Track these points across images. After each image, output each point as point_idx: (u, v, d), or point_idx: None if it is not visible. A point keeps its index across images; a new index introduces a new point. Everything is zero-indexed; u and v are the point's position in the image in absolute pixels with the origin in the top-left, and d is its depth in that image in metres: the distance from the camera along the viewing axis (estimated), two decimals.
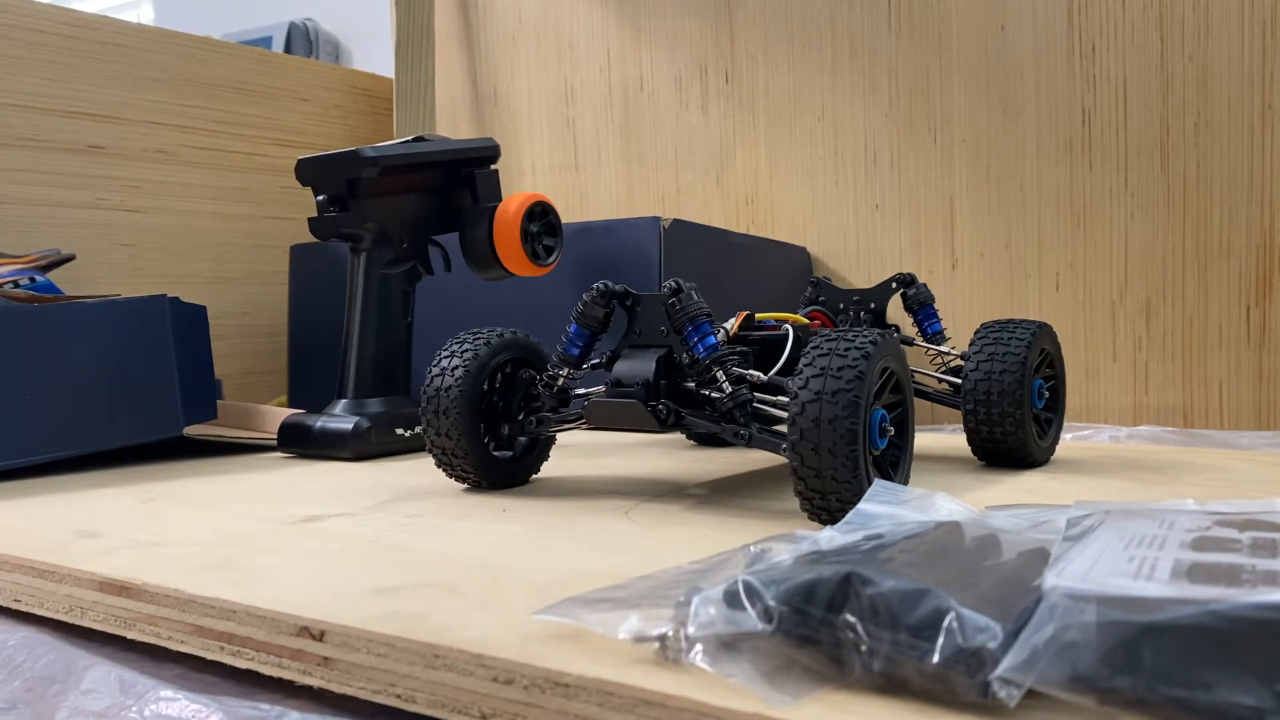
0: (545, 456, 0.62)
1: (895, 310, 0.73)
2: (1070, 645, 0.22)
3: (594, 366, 0.55)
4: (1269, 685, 0.21)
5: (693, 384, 0.52)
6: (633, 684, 0.25)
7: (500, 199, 0.80)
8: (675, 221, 0.87)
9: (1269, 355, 0.88)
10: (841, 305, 0.73)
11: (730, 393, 0.49)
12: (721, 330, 0.56)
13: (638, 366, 0.52)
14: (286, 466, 0.71)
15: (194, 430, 0.82)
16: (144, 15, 2.17)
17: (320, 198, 0.77)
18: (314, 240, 1.01)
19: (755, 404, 0.50)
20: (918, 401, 0.58)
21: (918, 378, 0.68)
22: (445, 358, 0.57)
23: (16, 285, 0.85)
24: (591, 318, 0.55)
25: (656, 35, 1.19)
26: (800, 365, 0.44)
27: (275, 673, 0.33)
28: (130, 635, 0.37)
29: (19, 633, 0.40)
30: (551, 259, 0.80)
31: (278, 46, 1.74)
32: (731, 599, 0.27)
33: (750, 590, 0.27)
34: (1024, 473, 0.61)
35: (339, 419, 0.74)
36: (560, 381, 0.56)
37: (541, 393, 0.57)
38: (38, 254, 0.93)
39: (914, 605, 0.25)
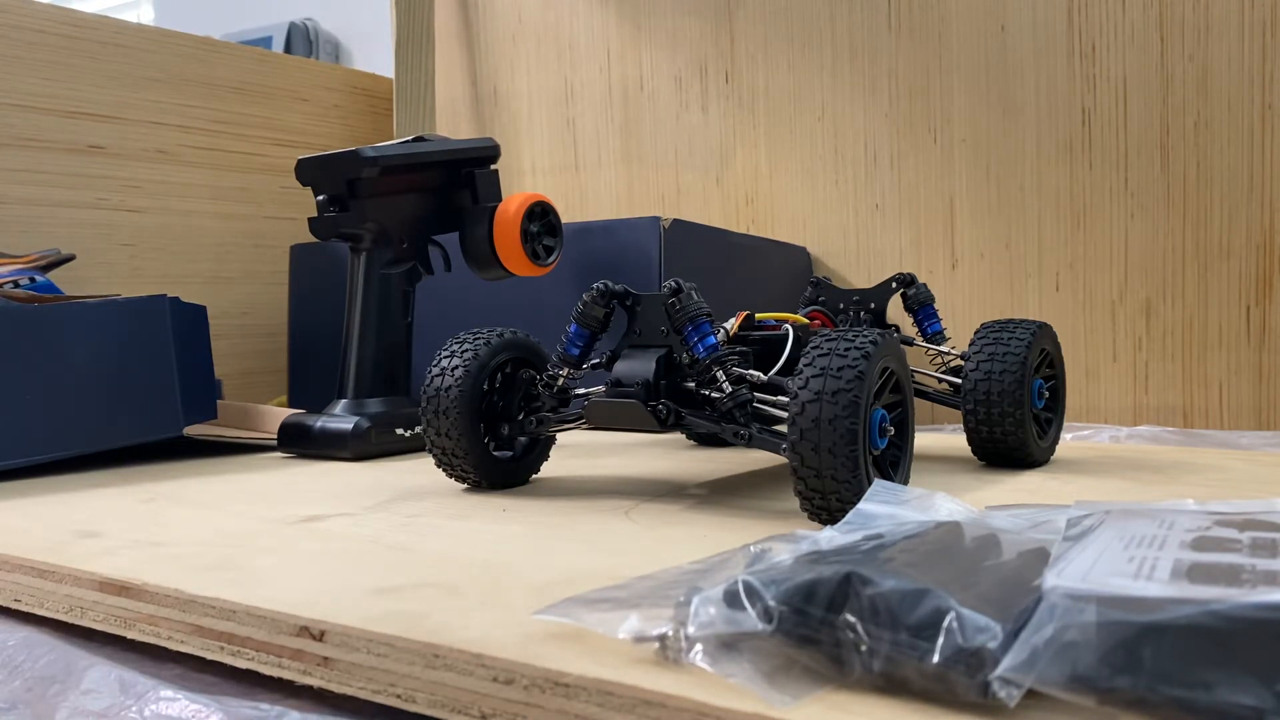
0: (545, 456, 0.62)
1: (895, 310, 0.73)
2: (1070, 645, 0.22)
3: (594, 366, 0.55)
4: (1269, 685, 0.21)
5: (693, 384, 0.52)
6: (633, 684, 0.25)
7: (500, 199, 0.80)
8: (675, 221, 0.87)
9: (1269, 355, 0.88)
10: (841, 305, 0.73)
11: (730, 393, 0.49)
12: (721, 330, 0.56)
13: (638, 366, 0.52)
14: (286, 466, 0.71)
15: (194, 430, 0.82)
16: (144, 15, 2.17)
17: (320, 198, 0.77)
18: (314, 240, 1.01)
19: (755, 404, 0.50)
20: (918, 401, 0.58)
21: (918, 378, 0.68)
22: (445, 358, 0.57)
23: (16, 285, 0.85)
24: (591, 318, 0.55)
25: (656, 35, 1.20)
26: (800, 365, 0.44)
27: (275, 673, 0.33)
28: (130, 635, 0.37)
29: (19, 633, 0.40)
30: (551, 259, 0.80)
31: (278, 46, 1.74)
32: (731, 599, 0.27)
33: (750, 590, 0.27)
34: (1024, 473, 0.61)
35: (339, 419, 0.74)
36: (560, 381, 0.56)
37: (541, 393, 0.57)
38: (38, 254, 0.93)
39: (914, 605, 0.25)
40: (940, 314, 0.71)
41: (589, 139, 1.25)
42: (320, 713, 0.31)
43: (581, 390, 0.55)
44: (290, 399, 1.12)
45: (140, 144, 1.11)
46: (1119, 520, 0.32)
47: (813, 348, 0.45)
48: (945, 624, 0.24)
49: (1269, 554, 0.27)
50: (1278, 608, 0.22)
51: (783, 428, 0.46)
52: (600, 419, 0.53)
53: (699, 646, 0.26)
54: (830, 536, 0.32)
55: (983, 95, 0.99)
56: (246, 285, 1.20)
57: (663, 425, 0.51)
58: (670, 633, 0.27)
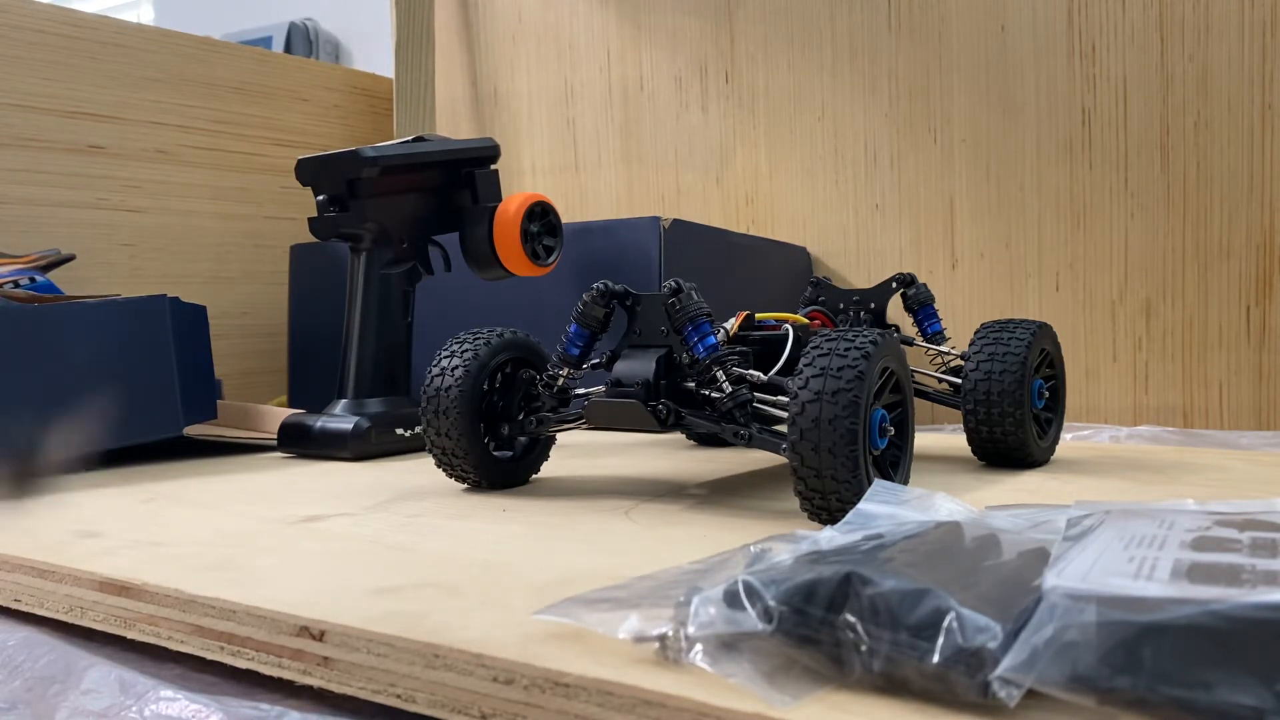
0: (545, 456, 0.62)
1: (895, 310, 0.73)
2: (1070, 645, 0.22)
3: (594, 366, 0.55)
4: (1269, 685, 0.21)
5: (693, 384, 0.52)
6: (633, 684, 0.25)
7: (500, 199, 0.80)
8: (675, 221, 0.87)
9: (1269, 355, 0.88)
10: (841, 305, 0.73)
11: (730, 393, 0.49)
12: (721, 330, 0.56)
13: (638, 366, 0.52)
14: (286, 466, 0.71)
15: (194, 430, 0.82)
16: (144, 15, 2.17)
17: (320, 198, 0.77)
18: (314, 240, 1.01)
19: (755, 404, 0.50)
20: (918, 401, 0.58)
21: (918, 378, 0.68)
22: (445, 358, 0.57)
23: (16, 285, 0.85)
24: (591, 318, 0.55)
25: (656, 35, 1.20)
26: (800, 365, 0.44)
27: (275, 673, 0.33)
28: (130, 635, 0.37)
29: (19, 633, 0.40)
30: (551, 259, 0.80)
31: (278, 46, 1.74)
32: (731, 599, 0.27)
33: (750, 590, 0.27)
34: (1024, 473, 0.61)
35: (339, 419, 0.74)
36: (560, 381, 0.56)
37: (541, 393, 0.57)
38: (38, 254, 0.92)
39: (914, 605, 0.25)
40: (940, 314, 0.71)
41: (589, 139, 1.25)
42: (320, 713, 0.31)
43: (581, 390, 0.55)
44: (290, 399, 1.12)
45: (140, 144, 1.11)
46: (1119, 520, 0.32)
47: (813, 348, 0.45)
48: (945, 624, 0.24)
49: (1269, 554, 0.27)
50: (1278, 608, 0.22)
51: (783, 428, 0.46)
52: (600, 419, 0.53)
53: (699, 646, 0.26)
54: (830, 536, 0.32)
55: (983, 95, 0.99)
56: (246, 285, 1.20)
57: (663, 425, 0.51)
58: (670, 633, 0.27)
